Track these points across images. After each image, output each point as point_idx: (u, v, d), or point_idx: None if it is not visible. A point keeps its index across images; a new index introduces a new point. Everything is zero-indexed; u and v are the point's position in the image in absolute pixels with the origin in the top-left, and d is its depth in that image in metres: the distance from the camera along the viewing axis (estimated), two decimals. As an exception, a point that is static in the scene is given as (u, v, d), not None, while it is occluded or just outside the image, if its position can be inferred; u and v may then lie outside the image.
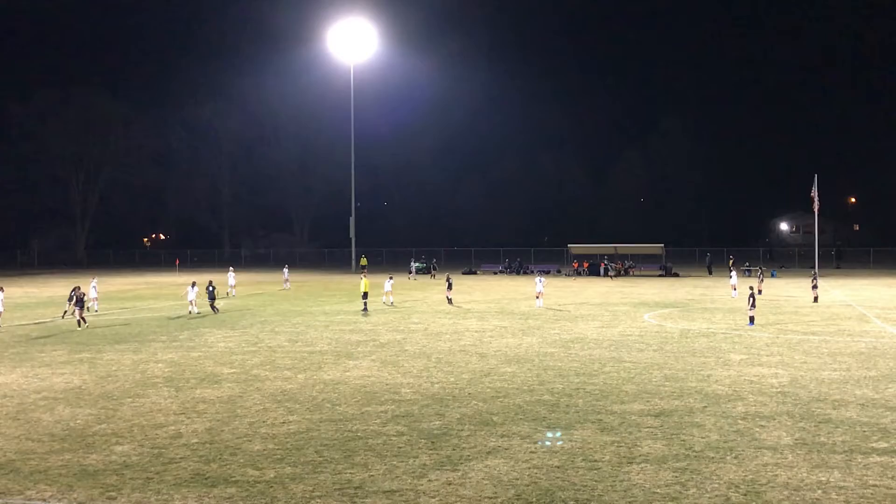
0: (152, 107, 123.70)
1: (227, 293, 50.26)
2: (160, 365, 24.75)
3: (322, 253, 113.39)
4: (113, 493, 12.70)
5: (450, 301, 44.79)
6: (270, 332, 32.99)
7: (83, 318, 35.10)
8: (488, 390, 20.35)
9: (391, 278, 46.54)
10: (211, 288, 41.55)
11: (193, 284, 41.79)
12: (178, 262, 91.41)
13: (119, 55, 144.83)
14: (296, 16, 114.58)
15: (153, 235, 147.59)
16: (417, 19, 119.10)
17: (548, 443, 15.35)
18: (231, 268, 55.86)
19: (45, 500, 12.46)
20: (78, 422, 17.40)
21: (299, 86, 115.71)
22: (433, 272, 72.50)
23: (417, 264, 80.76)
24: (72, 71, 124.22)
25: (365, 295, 41.67)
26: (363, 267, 79.26)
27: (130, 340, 30.53)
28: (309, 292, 56.17)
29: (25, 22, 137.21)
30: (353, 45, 77.24)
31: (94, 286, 43.38)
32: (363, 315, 39.05)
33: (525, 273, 78.27)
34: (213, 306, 40.92)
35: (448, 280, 46.78)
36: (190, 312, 40.46)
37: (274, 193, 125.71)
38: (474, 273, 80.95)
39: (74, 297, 35.71)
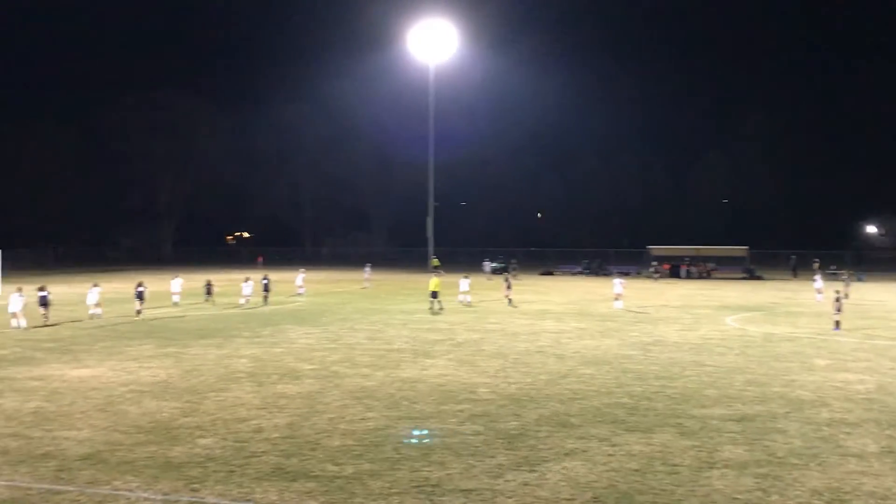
0: (237, 107, 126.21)
1: (297, 293, 51.08)
2: (243, 360, 25.23)
3: (400, 252, 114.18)
4: (196, 486, 13.00)
5: (509, 301, 44.68)
6: (350, 329, 33.35)
7: (140, 311, 38.27)
8: (566, 392, 20.26)
9: (467, 277, 46.62)
10: (266, 281, 45.70)
11: (247, 280, 45.33)
12: (260, 259, 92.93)
13: (206, 57, 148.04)
14: (377, 18, 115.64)
15: (237, 233, 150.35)
16: (498, 18, 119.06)
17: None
18: (302, 269, 56.53)
19: (131, 490, 12.82)
20: (163, 415, 17.85)
21: (379, 86, 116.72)
22: (514, 273, 72.23)
23: (494, 264, 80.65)
24: (160, 72, 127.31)
25: (434, 294, 41.66)
26: (436, 268, 79.57)
27: (215, 336, 31.18)
28: (387, 291, 56.60)
29: (115, 25, 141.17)
30: (433, 45, 77.58)
31: (178, 282, 46.15)
32: (430, 314, 39.20)
33: (604, 274, 77.53)
34: (265, 298, 44.78)
35: (507, 280, 46.79)
36: (241, 304, 43.83)
37: (354, 193, 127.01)
38: (552, 274, 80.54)
39: (137, 292, 38.84)
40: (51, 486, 13.01)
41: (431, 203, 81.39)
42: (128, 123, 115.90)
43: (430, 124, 79.90)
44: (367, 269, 63.68)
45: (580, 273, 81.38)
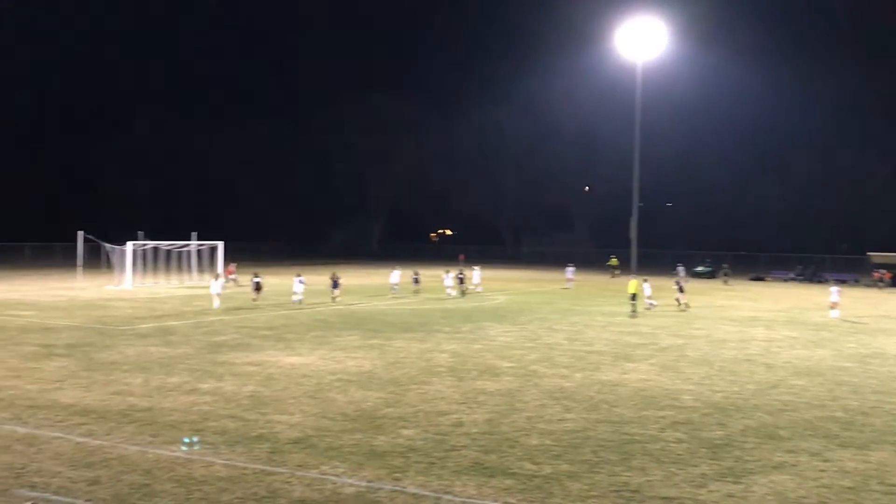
0: (443, 108, 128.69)
1: (474, 288, 51.69)
2: (444, 355, 25.71)
3: (601, 253, 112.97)
4: (398, 475, 13.35)
5: (678, 303, 43.15)
6: (549, 329, 33.30)
7: (335, 298, 42.44)
8: (775, 403, 19.40)
9: (645, 280, 45.58)
10: (416, 276, 50.58)
11: (448, 272, 49.56)
12: (462, 257, 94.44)
13: (414, 58, 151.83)
14: (582, 17, 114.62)
15: (440, 231, 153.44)
16: (709, 14, 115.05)
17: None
18: (477, 267, 57.07)
19: (337, 476, 13.32)
20: (368, 404, 18.44)
21: (584, 85, 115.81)
22: (725, 278, 69.74)
23: (702, 268, 78.24)
24: (370, 74, 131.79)
25: (633, 297, 40.91)
26: (613, 267, 77.97)
27: (417, 330, 31.95)
28: (588, 292, 56.10)
29: (327, 29, 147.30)
30: (641, 43, 76.28)
31: (397, 273, 50.82)
32: (630, 317, 38.49)
33: (819, 281, 73.69)
34: (416, 291, 49.44)
35: (678, 283, 45.25)
36: (448, 295, 48.02)
37: (556, 192, 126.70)
38: (763, 279, 77.34)
39: (333, 282, 43.06)
40: (264, 466, 13.72)
41: (636, 203, 79.98)
42: (341, 122, 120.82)
43: (635, 123, 78.58)
44: (570, 269, 63.30)
45: (793, 279, 77.69)
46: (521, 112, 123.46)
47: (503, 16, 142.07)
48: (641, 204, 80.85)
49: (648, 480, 13.27)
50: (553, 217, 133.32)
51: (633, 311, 39.93)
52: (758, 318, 39.48)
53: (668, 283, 45.67)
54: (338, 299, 42.62)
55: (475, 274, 53.21)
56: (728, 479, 13.37)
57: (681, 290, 44.16)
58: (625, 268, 77.16)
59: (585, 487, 12.89)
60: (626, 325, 35.49)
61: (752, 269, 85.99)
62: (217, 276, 42.01)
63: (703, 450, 15.13)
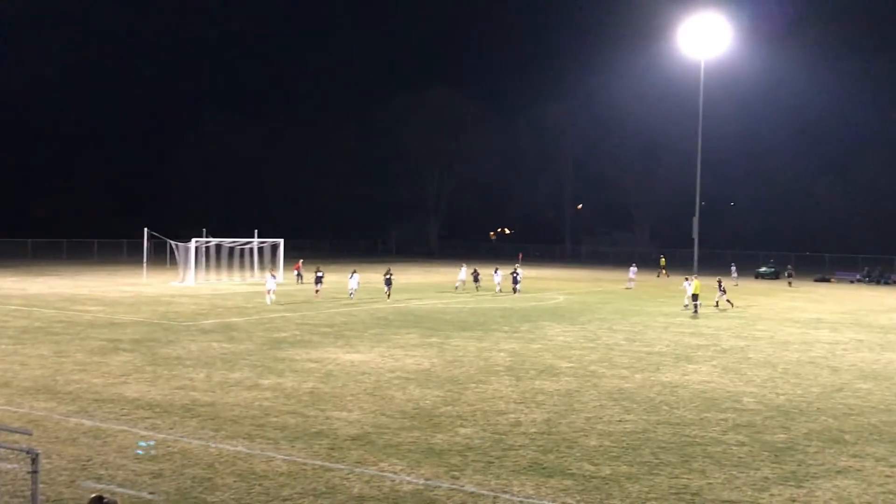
0: (502, 106, 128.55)
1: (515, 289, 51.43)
2: (502, 354, 25.68)
3: (662, 253, 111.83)
4: (456, 473, 13.37)
5: (716, 305, 42.52)
6: (608, 329, 33.07)
7: (388, 293, 43.76)
8: (840, 406, 19.02)
9: (686, 280, 45.25)
10: (475, 273, 51.21)
11: (474, 272, 50.82)
12: (520, 256, 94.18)
13: (471, 56, 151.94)
14: (644, 14, 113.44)
15: (498, 229, 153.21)
16: (775, 11, 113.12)
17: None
18: (517, 265, 56.98)
19: (395, 473, 13.39)
20: (427, 402, 18.51)
21: (645, 83, 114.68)
22: (789, 279, 68.50)
23: (765, 268, 77.05)
24: (428, 72, 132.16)
25: (695, 297, 40.54)
26: (662, 267, 77.06)
27: (475, 328, 31.96)
28: (649, 292, 55.56)
29: (387, 28, 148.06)
30: (704, 40, 75.32)
31: (465, 270, 52.22)
32: (692, 318, 38.07)
33: (887, 283, 72.09)
34: (476, 287, 50.61)
35: (720, 282, 44.67)
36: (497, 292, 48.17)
37: (616, 192, 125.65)
38: (828, 280, 75.82)
39: (386, 279, 44.18)
40: (323, 462, 13.85)
41: (698, 202, 79.03)
42: (400, 121, 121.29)
43: (698, 122, 77.65)
44: (633, 269, 62.73)
45: (859, 281, 76.07)
46: (582, 110, 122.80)
47: (564, 13, 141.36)
48: (703, 203, 79.82)
49: (709, 483, 13.12)
50: (612, 216, 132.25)
51: (696, 312, 39.52)
52: (822, 320, 38.74)
53: (725, 283, 45.16)
54: (390, 296, 43.35)
55: (496, 275, 52.61)
56: (790, 484, 13.16)
57: (721, 289, 43.69)
58: (687, 268, 76.23)
59: (645, 489, 12.78)
60: (688, 325, 35.10)
61: (816, 269, 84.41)
62: (272, 272, 43.98)
63: (766, 453, 14.91)
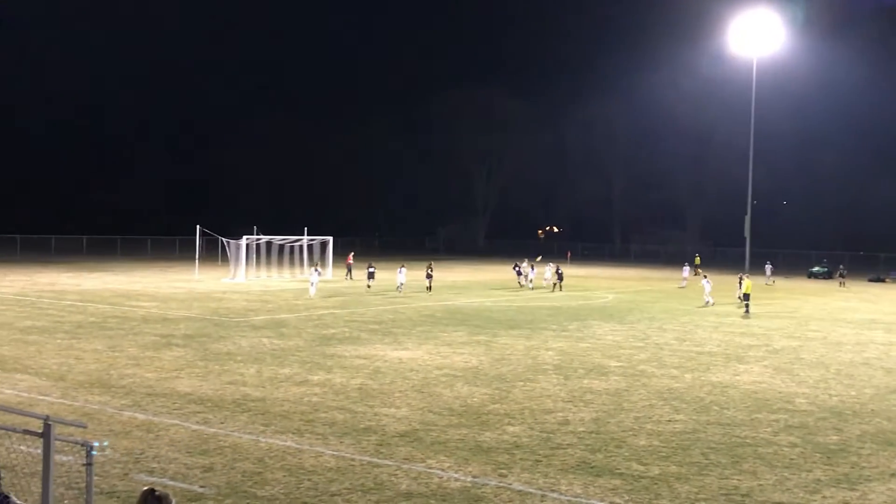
0: (550, 103, 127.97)
1: (549, 283, 51.46)
2: (550, 353, 25.61)
3: (713, 252, 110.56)
4: (504, 472, 13.37)
5: (740, 300, 42.07)
6: (658, 329, 32.81)
7: (429, 287, 46.15)
8: (894, 408, 18.69)
9: (706, 277, 46.57)
10: (518, 268, 52.75)
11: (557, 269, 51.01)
12: (568, 254, 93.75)
13: (520, 54, 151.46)
14: (694, 10, 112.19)
15: (547, 228, 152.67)
16: (829, 6, 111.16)
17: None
18: (551, 263, 56.75)
19: (443, 470, 13.42)
20: (474, 400, 18.52)
21: (695, 80, 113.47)
22: (841, 279, 67.35)
23: (818, 268, 75.95)
24: (477, 71, 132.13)
25: (746, 296, 40.21)
26: (697, 266, 76.17)
27: (523, 327, 31.91)
28: (699, 291, 54.94)
29: (439, 27, 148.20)
30: (756, 37, 74.35)
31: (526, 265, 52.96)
32: (743, 318, 37.64)
33: (944, 283, 70.57)
34: (521, 283, 51.81)
35: (741, 279, 44.23)
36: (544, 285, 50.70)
37: (666, 189, 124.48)
38: (882, 280, 74.42)
39: (427, 275, 46.64)
40: (371, 458, 13.93)
41: (750, 200, 78.04)
42: (449, 120, 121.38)
43: (750, 120, 76.70)
44: (687, 268, 62.09)
45: (915, 281, 74.60)
46: (631, 107, 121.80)
47: (614, 10, 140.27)
48: (755, 202, 78.81)
49: (760, 485, 12.97)
50: (662, 214, 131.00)
51: (747, 312, 39.09)
52: (876, 321, 38.06)
53: (758, 282, 44.59)
54: (431, 292, 45.65)
55: (547, 270, 52.68)
56: (843, 486, 12.96)
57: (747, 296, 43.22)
58: (739, 267, 75.35)
59: (694, 490, 12.67)
60: (738, 325, 34.70)
61: (870, 269, 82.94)
62: (317, 267, 48.11)
63: (818, 455, 14.70)
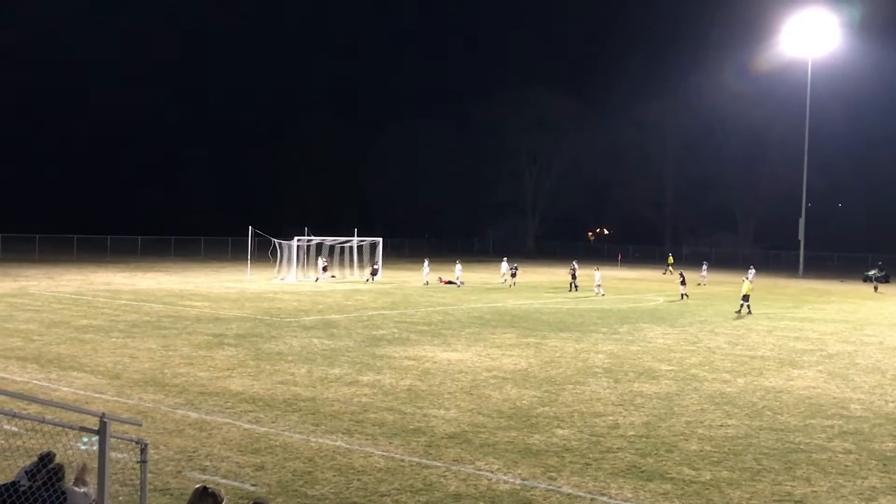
0: (602, 105, 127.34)
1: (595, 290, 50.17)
2: (600, 355, 25.47)
3: (767, 255, 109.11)
4: (553, 474, 13.33)
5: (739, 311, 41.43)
6: (710, 332, 32.46)
7: (575, 284, 49.56)
8: (954, 416, 18.28)
9: (597, 269, 48.64)
10: (573, 271, 52.02)
11: (597, 269, 50.60)
12: (619, 257, 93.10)
13: (571, 55, 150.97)
14: (749, 11, 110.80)
15: (597, 230, 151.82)
16: (886, 8, 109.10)
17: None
18: (597, 268, 56.37)
19: (492, 472, 13.43)
20: (523, 402, 18.49)
21: (749, 82, 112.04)
22: (876, 283, 66.06)
23: (873, 272, 74.70)
24: (528, 72, 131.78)
25: (745, 297, 40.54)
26: (669, 265, 74.88)
27: (573, 329, 31.77)
28: (754, 296, 54.15)
29: (488, 28, 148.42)
30: (811, 38, 73.29)
31: (598, 274, 51.11)
32: (736, 316, 37.64)
33: None
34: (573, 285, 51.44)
35: (749, 270, 43.79)
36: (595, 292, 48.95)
37: (719, 192, 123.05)
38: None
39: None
40: (420, 459, 13.98)
41: (804, 204, 76.96)
42: (500, 120, 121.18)
43: (805, 121, 75.63)
44: (752, 271, 61.21)
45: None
46: (683, 108, 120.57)
47: (668, 11, 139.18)
48: (810, 205, 77.67)
49: (814, 491, 12.78)
50: (715, 216, 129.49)
51: (748, 311, 39.77)
52: (936, 326, 37.26)
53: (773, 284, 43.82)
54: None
55: (597, 275, 50.93)
56: (901, 495, 12.72)
57: (683, 283, 47.02)
58: (792, 271, 74.41)
59: (746, 496, 12.53)
60: (792, 329, 34.20)
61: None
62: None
63: (873, 462, 14.44)
